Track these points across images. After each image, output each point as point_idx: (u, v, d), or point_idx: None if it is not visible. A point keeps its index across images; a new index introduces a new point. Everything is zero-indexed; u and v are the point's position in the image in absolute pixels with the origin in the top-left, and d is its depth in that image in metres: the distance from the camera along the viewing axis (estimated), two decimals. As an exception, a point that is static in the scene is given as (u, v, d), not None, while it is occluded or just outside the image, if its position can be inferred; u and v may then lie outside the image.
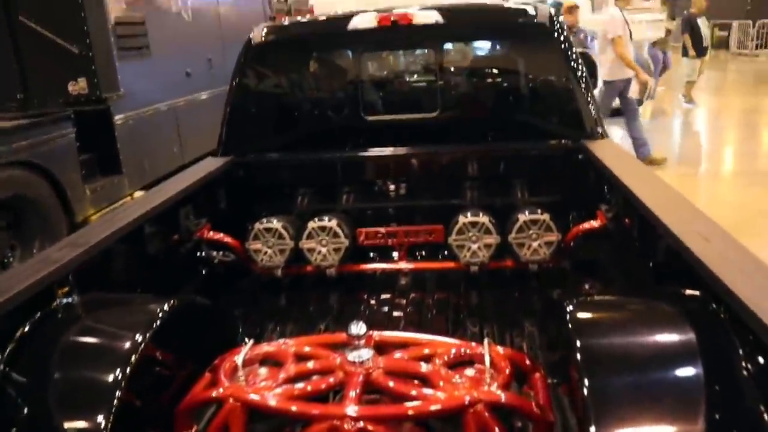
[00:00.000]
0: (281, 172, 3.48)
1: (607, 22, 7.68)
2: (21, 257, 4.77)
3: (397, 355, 1.97)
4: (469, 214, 3.02)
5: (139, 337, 1.72)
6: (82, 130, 5.42)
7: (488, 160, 3.32)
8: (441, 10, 3.23)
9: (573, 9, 8.44)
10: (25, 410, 1.62)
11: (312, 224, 3.12)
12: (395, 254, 3.29)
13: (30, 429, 1.59)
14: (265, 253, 3.16)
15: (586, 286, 2.91)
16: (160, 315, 1.83)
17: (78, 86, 5.57)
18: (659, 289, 2.07)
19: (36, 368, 1.69)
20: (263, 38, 3.39)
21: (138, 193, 5.85)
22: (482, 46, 3.76)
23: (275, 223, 3.14)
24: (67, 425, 1.58)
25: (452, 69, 3.57)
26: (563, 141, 3.22)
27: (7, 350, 1.71)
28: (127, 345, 1.71)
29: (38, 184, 4.92)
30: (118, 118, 5.79)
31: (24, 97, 5.52)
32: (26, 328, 1.78)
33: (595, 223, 2.86)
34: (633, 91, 7.65)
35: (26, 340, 1.76)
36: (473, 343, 2.01)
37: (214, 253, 3.21)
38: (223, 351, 2.06)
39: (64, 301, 1.95)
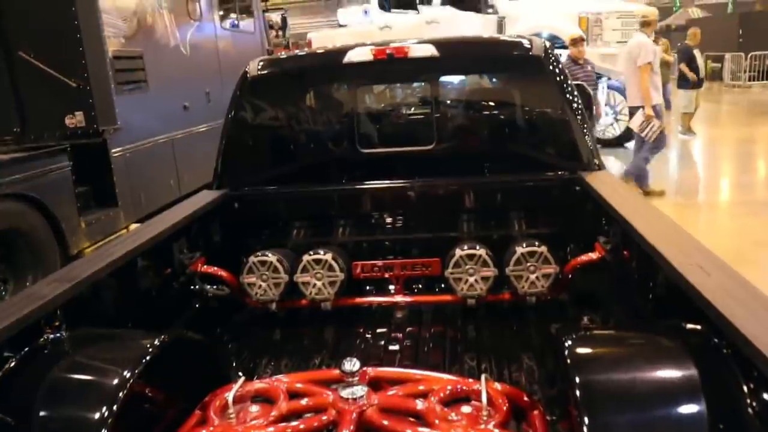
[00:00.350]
0: (276, 205, 3.47)
1: (636, 48, 7.53)
2: (14, 291, 4.73)
3: (392, 391, 1.92)
4: (465, 247, 3.00)
5: (127, 374, 1.67)
6: (79, 162, 5.43)
7: (485, 192, 3.31)
8: (436, 43, 3.25)
9: (578, 41, 8.40)
10: None
11: (307, 257, 3.09)
12: (391, 287, 3.26)
13: None
14: (260, 286, 3.12)
15: (585, 319, 2.87)
16: (150, 350, 1.79)
17: (75, 120, 5.59)
18: (659, 323, 2.03)
19: (22, 405, 1.65)
20: (259, 71, 3.40)
21: (134, 226, 5.83)
22: (478, 79, 3.78)
23: (270, 257, 3.11)
24: None
25: (448, 101, 3.58)
26: (560, 172, 3.21)
27: None
28: (115, 381, 1.66)
29: (33, 217, 4.90)
30: (115, 151, 5.80)
31: (21, 130, 5.54)
32: (12, 364, 1.74)
33: (593, 255, 2.84)
34: (634, 123, 7.58)
35: (12, 376, 1.71)
36: (470, 379, 1.96)
37: (208, 286, 3.17)
38: (215, 387, 2.01)
39: (52, 336, 1.91)
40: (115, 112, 5.79)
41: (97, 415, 1.57)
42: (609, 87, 10.60)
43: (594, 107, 7.23)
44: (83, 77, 5.56)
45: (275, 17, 12.13)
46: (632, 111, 7.66)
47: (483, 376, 1.88)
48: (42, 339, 1.87)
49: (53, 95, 5.55)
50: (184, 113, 7.19)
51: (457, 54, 3.41)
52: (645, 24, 7.87)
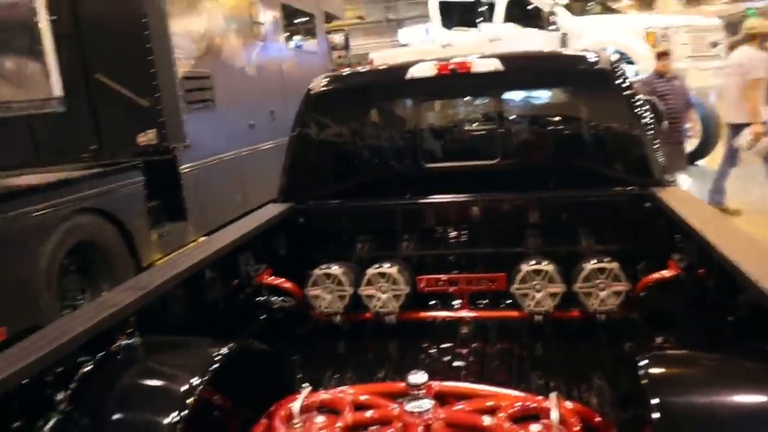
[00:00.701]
0: (341, 219, 3.50)
1: (748, 61, 7.12)
2: (90, 300, 4.92)
3: (459, 406, 1.89)
4: (532, 262, 2.94)
5: (196, 381, 1.71)
6: (150, 178, 5.65)
7: (551, 207, 3.25)
8: (500, 57, 3.23)
9: (663, 55, 7.94)
10: None
11: (371, 271, 3.09)
12: (456, 302, 3.22)
13: None
14: (324, 299, 3.14)
15: (659, 340, 2.75)
16: (218, 359, 1.82)
17: (147, 137, 5.83)
18: (741, 345, 1.93)
19: (95, 408, 1.70)
20: (323, 88, 3.46)
21: (202, 239, 5.99)
22: (543, 94, 3.72)
23: (335, 270, 3.13)
24: None
25: (512, 116, 3.54)
26: (629, 188, 3.12)
27: (69, 389, 1.73)
28: (185, 388, 1.70)
29: (108, 230, 5.12)
30: (184, 168, 6.01)
31: (97, 147, 5.80)
32: (87, 369, 1.80)
33: (667, 273, 2.73)
34: (740, 141, 7.16)
35: (87, 380, 1.77)
36: (539, 397, 1.91)
37: (273, 298, 3.22)
38: (280, 397, 2.03)
39: (125, 342, 1.97)
40: (185, 130, 6.01)
41: (167, 420, 1.60)
42: None
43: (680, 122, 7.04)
44: (155, 97, 5.81)
45: (338, 38, 12.36)
46: (736, 128, 7.24)
47: (553, 394, 1.83)
48: (115, 345, 1.94)
49: (127, 115, 5.82)
50: (250, 131, 7.38)
51: (521, 68, 3.37)
52: (751, 37, 7.44)
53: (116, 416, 1.68)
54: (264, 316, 3.18)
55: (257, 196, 6.85)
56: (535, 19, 12.16)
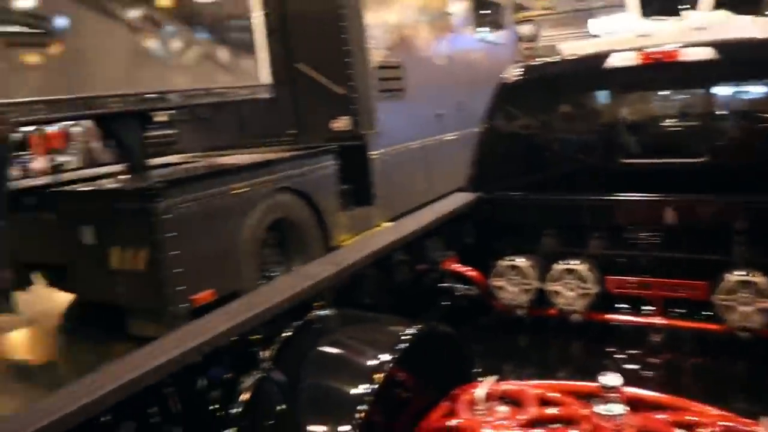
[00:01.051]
0: (529, 211, 3.44)
1: None
2: (285, 273, 5.33)
3: (657, 416, 1.79)
4: (740, 272, 2.68)
5: (386, 357, 1.77)
6: (341, 163, 5.96)
7: (763, 213, 2.93)
8: (714, 45, 2.95)
9: None
10: (281, 407, 1.75)
11: (559, 266, 3.01)
12: (647, 308, 3.03)
13: (282, 426, 1.71)
14: (508, 291, 3.12)
15: None
16: (407, 337, 1.87)
17: (340, 123, 6.17)
18: None
19: (293, 371, 1.82)
20: (516, 78, 3.41)
21: (385, 225, 6.21)
22: (762, 87, 3.36)
23: (520, 262, 3.10)
24: (313, 429, 1.69)
25: (724, 111, 3.24)
26: None
27: (270, 351, 1.87)
28: (375, 362, 1.76)
29: (302, 209, 5.51)
30: (372, 154, 6.26)
31: (296, 132, 6.25)
32: (287, 333, 1.94)
33: None
34: None
35: (287, 344, 1.91)
36: (748, 420, 1.75)
37: (457, 285, 3.25)
38: (459, 382, 2.05)
39: (320, 312, 2.09)
40: (375, 117, 6.25)
41: (356, 391, 1.68)
42: None
43: None
44: (350, 85, 6.12)
45: (526, 29, 12.08)
46: None
47: (764, 419, 1.67)
48: (311, 314, 2.06)
49: (323, 102, 6.20)
50: (437, 121, 7.49)
51: (739, 57, 3.06)
52: None
53: (311, 381, 1.79)
54: (446, 302, 3.23)
55: (440, 186, 6.94)
56: (750, 4, 10.94)
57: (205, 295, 4.45)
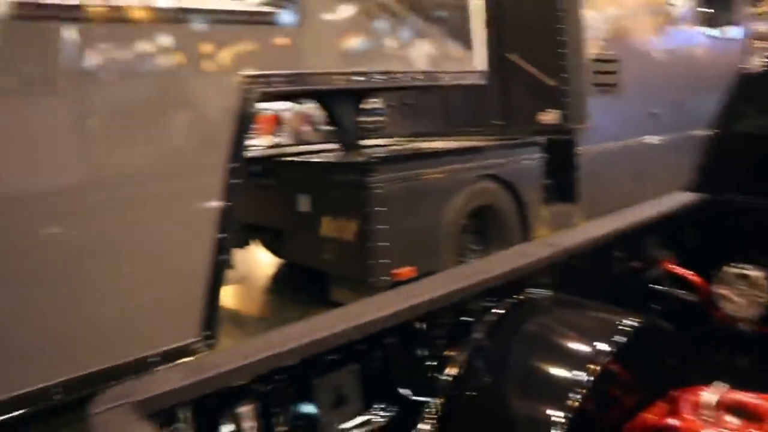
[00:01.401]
0: (762, 218, 3.11)
1: None
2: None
3: None
4: None
5: (604, 347, 1.71)
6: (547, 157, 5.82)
7: None
8: None
9: None
10: (488, 380, 1.77)
11: None
12: None
13: (488, 400, 1.71)
14: (734, 301, 2.83)
15: None
16: (626, 329, 1.79)
17: (548, 116, 6.00)
18: None
19: (505, 347, 1.82)
20: (759, 75, 3.11)
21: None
22: None
23: (752, 272, 2.80)
24: (524, 408, 1.69)
25: None
26: None
27: (483, 324, 1.87)
28: (592, 351, 1.71)
29: (505, 198, 5.48)
30: (580, 150, 6.02)
31: (503, 121, 6.20)
32: (500, 310, 1.92)
33: None
34: None
35: (501, 320, 1.89)
36: None
37: (675, 288, 3.03)
38: (673, 385, 1.92)
39: (536, 292, 2.05)
40: (587, 112, 6.00)
41: (574, 377, 1.64)
42: None
43: None
44: (562, 77, 5.92)
45: (764, 27, 10.86)
46: None
47: None
48: (526, 292, 2.03)
49: (531, 93, 6.07)
50: (651, 120, 7.00)
51: None
52: None
53: (522, 359, 1.78)
54: (661, 304, 3.03)
55: (649, 191, 6.50)
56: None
57: (406, 271, 4.59)
